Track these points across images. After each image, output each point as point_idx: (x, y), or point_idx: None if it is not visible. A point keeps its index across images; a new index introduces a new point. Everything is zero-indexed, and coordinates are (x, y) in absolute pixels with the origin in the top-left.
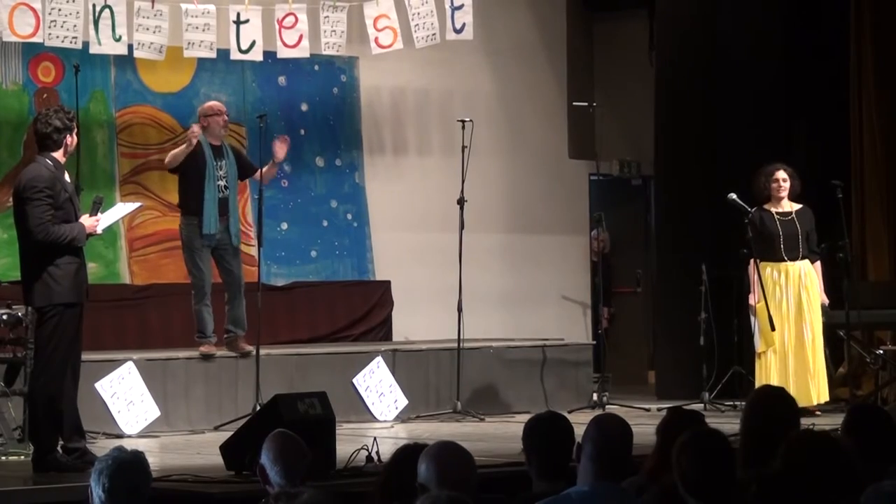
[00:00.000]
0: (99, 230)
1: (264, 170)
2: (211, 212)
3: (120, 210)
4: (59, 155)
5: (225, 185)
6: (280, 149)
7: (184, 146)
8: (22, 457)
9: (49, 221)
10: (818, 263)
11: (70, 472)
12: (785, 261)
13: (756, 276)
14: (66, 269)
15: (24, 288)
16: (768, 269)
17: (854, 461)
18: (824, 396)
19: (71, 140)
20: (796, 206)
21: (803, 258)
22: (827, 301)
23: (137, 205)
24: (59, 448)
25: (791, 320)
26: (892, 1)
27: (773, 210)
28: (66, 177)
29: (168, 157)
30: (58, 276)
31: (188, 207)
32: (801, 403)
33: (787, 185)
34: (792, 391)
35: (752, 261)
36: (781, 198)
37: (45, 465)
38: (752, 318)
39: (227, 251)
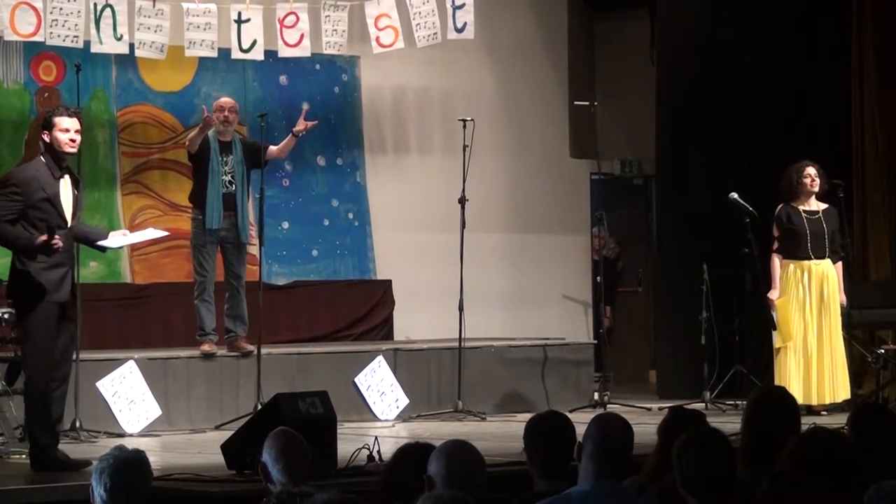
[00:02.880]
0: (115, 245)
1: (282, 144)
2: (214, 206)
3: (148, 234)
4: (50, 154)
5: (230, 181)
6: (302, 123)
7: (199, 126)
8: (23, 456)
9: (3, 217)
10: (840, 264)
11: (67, 471)
12: (810, 259)
13: (777, 272)
14: (32, 266)
15: None
16: (791, 267)
17: (863, 459)
18: (845, 394)
19: (48, 137)
20: (822, 206)
21: (827, 257)
22: (845, 301)
23: (164, 233)
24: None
25: (814, 318)
26: (892, 0)
27: (801, 208)
28: (66, 178)
29: (187, 140)
30: (23, 271)
31: (195, 201)
32: (820, 401)
33: (817, 181)
34: (813, 389)
35: (774, 256)
36: (812, 193)
37: (40, 463)
38: (773, 314)
39: (232, 250)
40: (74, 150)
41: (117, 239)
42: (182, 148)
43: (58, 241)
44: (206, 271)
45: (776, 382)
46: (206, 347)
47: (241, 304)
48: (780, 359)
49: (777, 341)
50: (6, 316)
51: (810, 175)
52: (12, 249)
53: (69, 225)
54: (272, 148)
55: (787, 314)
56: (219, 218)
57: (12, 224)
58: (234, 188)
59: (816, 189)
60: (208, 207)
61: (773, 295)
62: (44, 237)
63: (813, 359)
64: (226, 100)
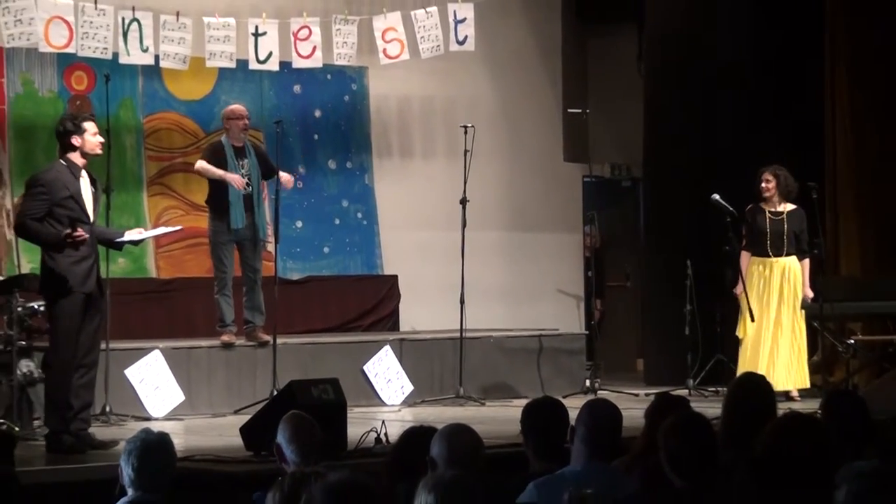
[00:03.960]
0: (129, 238)
1: (283, 181)
2: (237, 209)
3: (162, 230)
4: (74, 156)
5: (247, 183)
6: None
7: (221, 174)
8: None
9: (31, 216)
10: (806, 261)
11: (74, 454)
12: (770, 256)
13: (743, 268)
14: (60, 261)
15: None
16: (755, 264)
17: (835, 442)
18: (802, 383)
19: (79, 141)
20: (790, 207)
21: (788, 255)
22: (811, 295)
23: (178, 228)
24: (69, 429)
25: (772, 311)
26: (864, 3)
27: (767, 209)
28: (84, 177)
29: (199, 166)
30: (52, 266)
31: (213, 205)
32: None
33: (770, 185)
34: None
35: (743, 253)
36: (767, 198)
37: (49, 445)
38: (750, 306)
39: (249, 246)
40: (102, 152)
41: (133, 234)
42: None
43: (81, 233)
44: (225, 267)
45: (739, 371)
46: (225, 338)
47: (259, 295)
48: (741, 349)
49: (739, 331)
50: (42, 308)
51: (765, 179)
52: (40, 245)
53: (91, 220)
54: (282, 175)
55: (745, 307)
56: (242, 219)
57: (39, 222)
58: (250, 189)
59: (768, 194)
60: (231, 210)
61: (738, 289)
62: (68, 230)
63: (765, 349)
64: (240, 108)
